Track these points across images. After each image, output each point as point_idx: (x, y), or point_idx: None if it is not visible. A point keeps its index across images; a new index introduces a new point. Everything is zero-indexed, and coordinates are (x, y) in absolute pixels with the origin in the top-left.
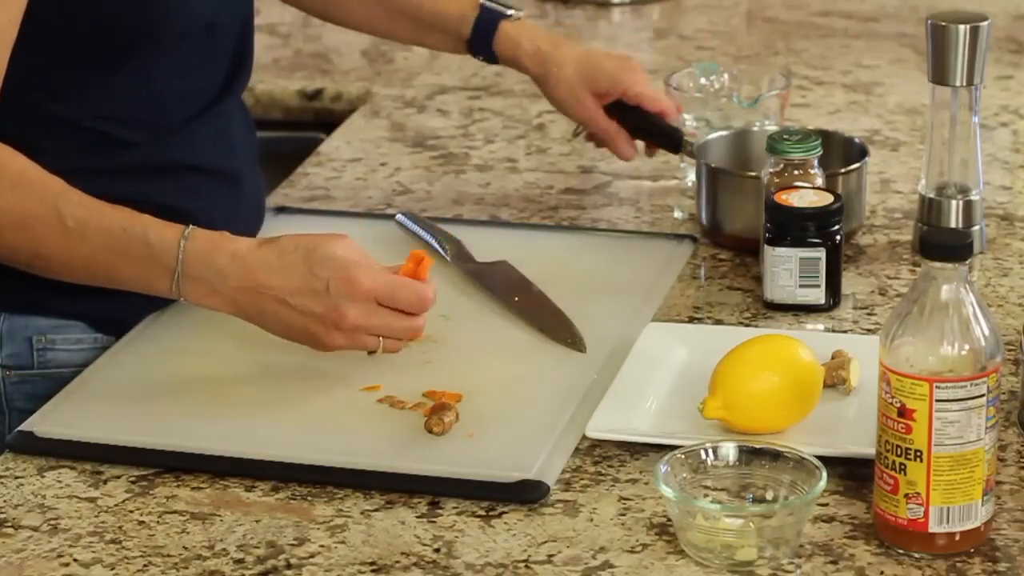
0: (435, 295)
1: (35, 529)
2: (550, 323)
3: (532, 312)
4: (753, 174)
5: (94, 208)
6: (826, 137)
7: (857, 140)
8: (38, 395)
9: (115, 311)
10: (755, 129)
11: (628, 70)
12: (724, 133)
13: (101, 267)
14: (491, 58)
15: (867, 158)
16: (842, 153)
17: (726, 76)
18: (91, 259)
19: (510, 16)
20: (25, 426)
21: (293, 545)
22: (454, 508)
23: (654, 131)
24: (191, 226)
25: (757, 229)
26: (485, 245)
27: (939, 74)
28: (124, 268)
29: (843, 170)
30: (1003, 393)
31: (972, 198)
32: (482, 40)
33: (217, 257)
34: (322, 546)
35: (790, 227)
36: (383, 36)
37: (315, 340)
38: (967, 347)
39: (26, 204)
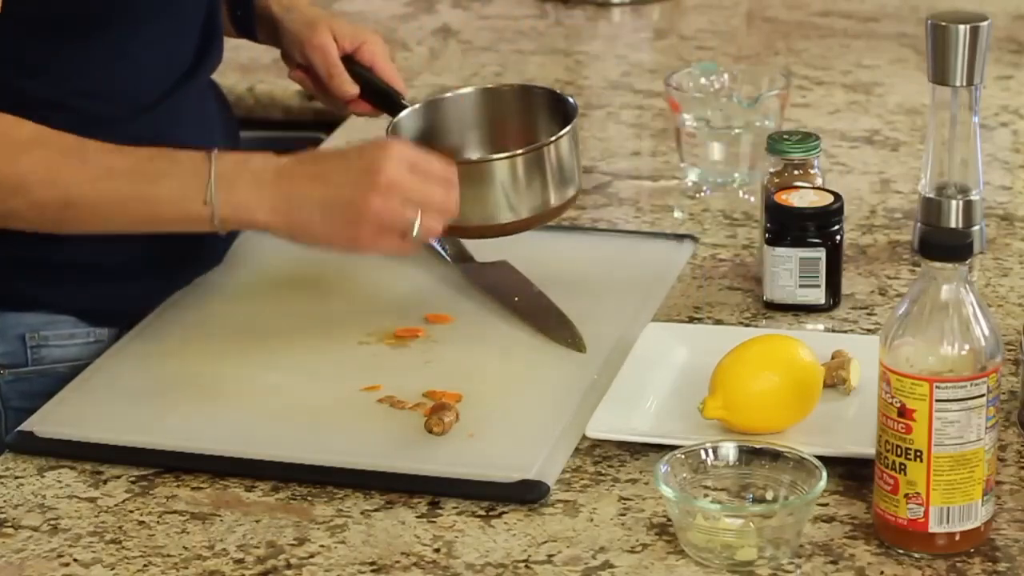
0: None
1: (35, 529)
2: (550, 323)
3: (532, 312)
4: (469, 159)
5: (116, 149)
6: (528, 93)
7: (571, 100)
8: (34, 392)
9: (106, 303)
10: (449, 96)
11: (371, 32)
12: (415, 106)
13: (134, 201)
14: (247, 16)
15: (575, 120)
16: (549, 112)
17: (726, 76)
18: (123, 194)
19: None
20: (25, 426)
21: (293, 545)
22: (454, 508)
23: (374, 93)
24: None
25: (473, 216)
26: (485, 245)
27: (939, 74)
28: (157, 192)
29: (552, 138)
30: (1003, 393)
31: (972, 198)
32: None
33: (250, 159)
34: (322, 546)
35: (790, 227)
36: None
37: (353, 213)
38: (967, 347)
39: (50, 157)
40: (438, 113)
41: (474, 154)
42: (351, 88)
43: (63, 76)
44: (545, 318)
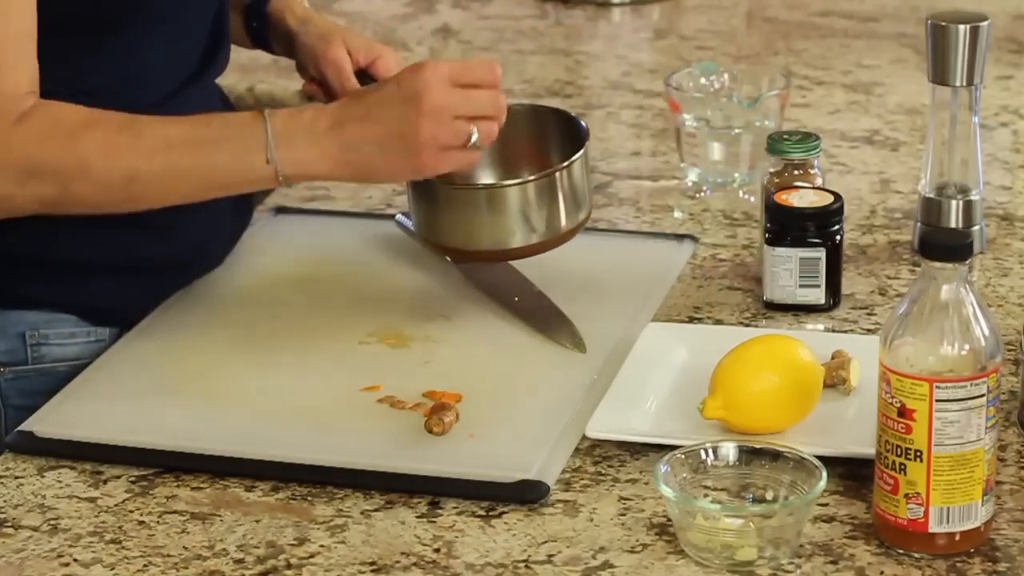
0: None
1: (35, 529)
2: (550, 323)
3: (532, 312)
4: (474, 185)
5: (168, 119)
6: (539, 113)
7: (583, 122)
8: (34, 391)
9: (107, 302)
10: None
11: (385, 45)
12: None
13: (196, 169)
14: (262, 28)
15: (587, 144)
16: (560, 132)
17: (726, 76)
18: (184, 163)
19: None
20: (25, 426)
21: (293, 545)
22: (454, 508)
23: None
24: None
25: (483, 241)
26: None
27: (939, 74)
28: (218, 158)
29: (564, 163)
30: (1003, 393)
31: (972, 198)
32: (256, 6)
33: (301, 114)
34: (322, 546)
35: (790, 227)
36: None
37: (409, 144)
38: (967, 347)
39: (108, 135)
40: None
41: (485, 176)
42: None
43: (71, 76)
44: (545, 318)
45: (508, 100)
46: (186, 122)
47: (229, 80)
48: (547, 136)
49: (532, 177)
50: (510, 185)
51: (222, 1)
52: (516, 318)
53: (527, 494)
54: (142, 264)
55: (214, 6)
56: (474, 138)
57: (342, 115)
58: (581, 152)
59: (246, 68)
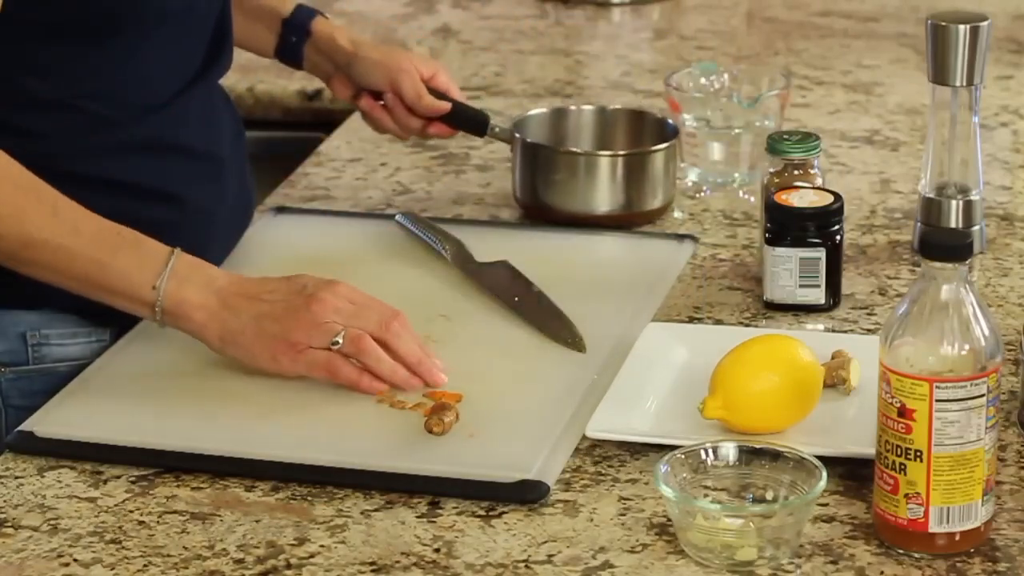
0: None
1: (35, 529)
2: (550, 323)
3: (532, 312)
4: (575, 151)
5: (89, 212)
6: (638, 116)
7: (669, 121)
8: (34, 391)
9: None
10: (572, 108)
11: (438, 61)
12: (543, 111)
13: (89, 262)
14: (299, 43)
15: (674, 140)
16: (654, 132)
17: (726, 76)
18: (80, 253)
19: (322, 15)
20: (25, 426)
21: (293, 545)
22: (454, 508)
23: (459, 115)
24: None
25: (575, 203)
26: (485, 245)
27: (939, 74)
28: (112, 263)
29: (650, 149)
30: (1003, 393)
31: (972, 198)
32: (300, 23)
33: (206, 267)
34: (322, 546)
35: (790, 227)
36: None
37: (283, 328)
38: (967, 347)
39: (23, 196)
40: (560, 120)
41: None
42: (443, 105)
43: (74, 78)
44: (545, 318)
45: (570, 103)
46: (103, 221)
47: (229, 80)
48: (644, 135)
49: (622, 153)
50: (603, 155)
51: (225, 2)
52: (516, 318)
53: (527, 494)
54: None
55: (217, 7)
56: (338, 339)
57: (242, 287)
58: (666, 145)
59: (246, 68)
